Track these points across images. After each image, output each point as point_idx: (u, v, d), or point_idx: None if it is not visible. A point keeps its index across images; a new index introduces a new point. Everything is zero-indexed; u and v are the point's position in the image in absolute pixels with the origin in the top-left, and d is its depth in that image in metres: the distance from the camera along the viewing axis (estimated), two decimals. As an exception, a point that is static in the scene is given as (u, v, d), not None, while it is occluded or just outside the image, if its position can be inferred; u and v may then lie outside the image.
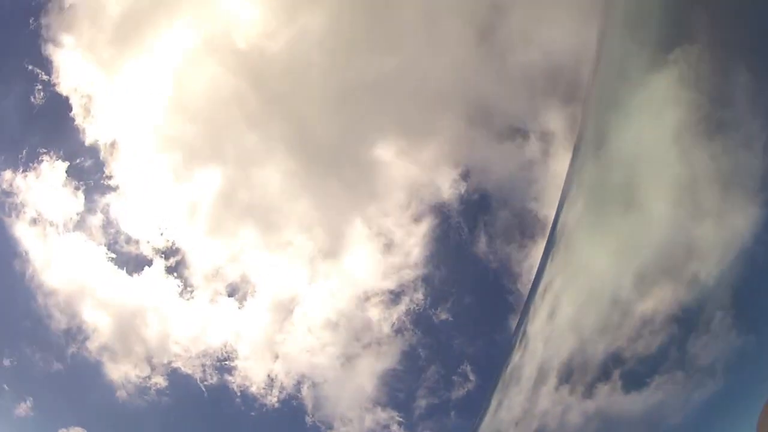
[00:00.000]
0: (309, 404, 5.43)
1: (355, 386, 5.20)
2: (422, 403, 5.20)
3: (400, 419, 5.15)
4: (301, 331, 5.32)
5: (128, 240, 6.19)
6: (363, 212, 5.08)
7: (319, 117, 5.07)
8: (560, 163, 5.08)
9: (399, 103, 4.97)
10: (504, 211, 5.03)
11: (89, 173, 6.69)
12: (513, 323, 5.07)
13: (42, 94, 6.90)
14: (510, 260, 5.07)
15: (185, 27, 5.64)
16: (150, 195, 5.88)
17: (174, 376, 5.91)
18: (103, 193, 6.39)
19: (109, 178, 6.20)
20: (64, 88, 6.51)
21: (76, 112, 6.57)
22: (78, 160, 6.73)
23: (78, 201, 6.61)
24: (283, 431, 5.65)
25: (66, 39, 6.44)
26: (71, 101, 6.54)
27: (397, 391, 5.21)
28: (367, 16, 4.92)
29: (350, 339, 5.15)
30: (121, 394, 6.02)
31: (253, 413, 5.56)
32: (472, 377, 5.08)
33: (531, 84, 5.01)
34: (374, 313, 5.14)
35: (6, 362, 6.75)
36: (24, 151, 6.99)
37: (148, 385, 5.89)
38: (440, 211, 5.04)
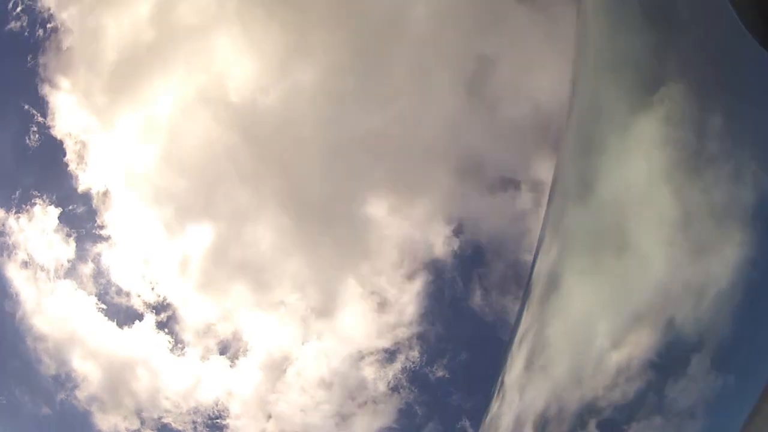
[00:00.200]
0: (303, 464, 5.27)
1: (350, 446, 5.05)
2: (420, 462, 5.05)
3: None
4: (294, 391, 5.20)
5: (119, 292, 6.13)
6: (356, 271, 5.04)
7: (311, 173, 5.09)
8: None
9: (390, 159, 5.00)
10: (498, 264, 5.00)
11: (81, 221, 6.68)
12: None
13: (37, 136, 6.95)
14: (506, 312, 5.02)
15: (179, 78, 5.72)
16: (141, 247, 5.87)
17: (165, 431, 5.78)
18: (94, 242, 6.36)
19: (101, 227, 6.18)
20: (58, 131, 6.55)
21: (70, 157, 6.60)
22: (71, 207, 6.73)
23: (69, 248, 6.57)
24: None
25: (62, 82, 6.52)
26: (65, 146, 6.58)
27: (393, 450, 5.07)
28: (357, 71, 4.98)
29: (345, 398, 5.03)
30: (111, 446, 5.85)
31: (245, 473, 5.41)
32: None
33: (521, 134, 5.07)
34: (369, 371, 5.04)
35: (-6, 398, 6.61)
36: (17, 192, 7.01)
37: (138, 439, 5.73)
38: (434, 267, 5.01)
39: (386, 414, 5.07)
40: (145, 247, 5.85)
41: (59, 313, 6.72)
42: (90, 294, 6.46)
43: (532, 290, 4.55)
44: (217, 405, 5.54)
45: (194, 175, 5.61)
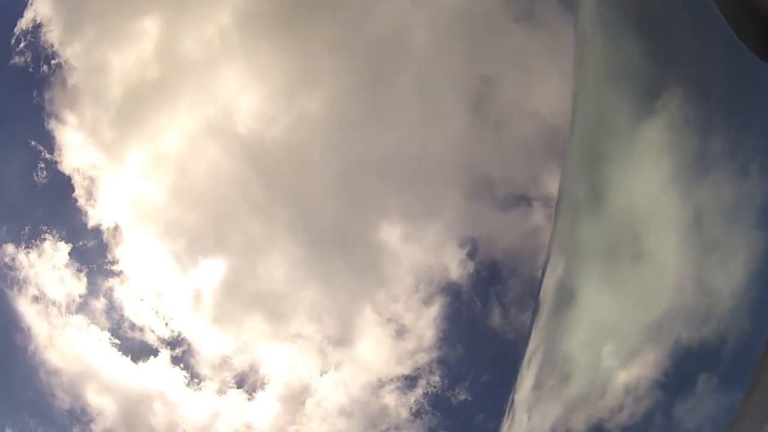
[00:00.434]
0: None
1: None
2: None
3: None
4: (314, 421, 5.14)
5: (132, 326, 6.10)
6: (372, 298, 5.00)
7: (322, 201, 5.09)
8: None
9: (400, 183, 5.00)
10: (515, 281, 4.96)
11: (92, 256, 6.68)
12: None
13: (45, 173, 7.00)
14: (526, 329, 4.96)
15: (186, 112, 5.77)
16: (154, 282, 5.86)
17: (183, 466, 5.69)
18: (106, 278, 6.35)
19: (112, 262, 6.18)
20: (66, 167, 6.58)
21: (79, 193, 6.64)
22: (81, 242, 6.74)
23: (81, 284, 6.56)
24: None
25: (69, 117, 6.59)
26: (74, 181, 6.61)
27: (419, 476, 4.98)
28: (362, 98, 5.02)
29: (367, 426, 4.96)
30: (129, 483, 5.77)
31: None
32: (495, 453, 4.86)
33: (528, 150, 5.08)
34: (390, 399, 4.97)
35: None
36: (27, 228, 7.04)
37: (157, 476, 5.65)
38: (450, 289, 4.97)
39: (409, 441, 5.02)
40: (158, 281, 5.86)
41: (72, 348, 6.70)
42: (103, 329, 6.44)
43: (541, 307, 4.51)
44: (235, 438, 5.48)
45: (205, 208, 5.63)
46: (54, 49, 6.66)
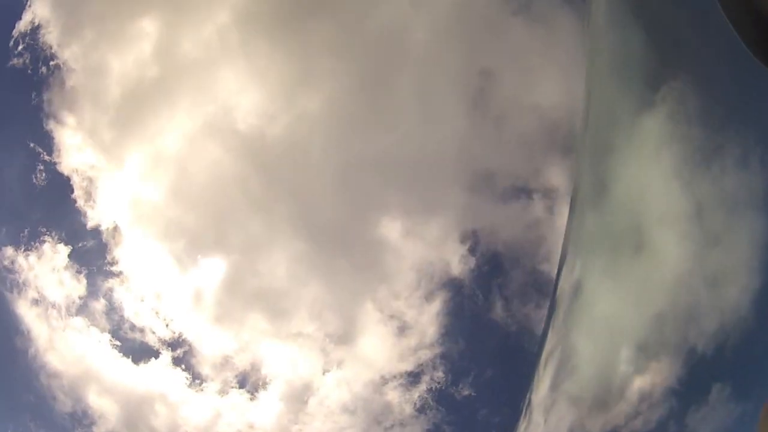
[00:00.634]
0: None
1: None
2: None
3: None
4: (317, 420, 5.10)
5: (133, 328, 6.06)
6: (373, 295, 4.97)
7: (323, 198, 5.07)
8: (565, 218, 5.07)
9: (401, 179, 4.99)
10: (517, 273, 4.94)
11: (91, 257, 6.64)
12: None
13: (44, 175, 6.98)
14: (529, 321, 4.95)
15: (185, 111, 5.75)
16: (154, 282, 5.83)
17: (185, 467, 5.64)
18: (105, 279, 6.32)
19: (112, 263, 6.14)
20: (65, 168, 6.56)
21: (78, 194, 6.61)
22: (80, 244, 6.71)
23: (80, 285, 6.52)
24: None
25: (67, 118, 6.57)
26: (73, 182, 6.59)
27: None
28: (362, 95, 5.01)
29: (371, 423, 4.93)
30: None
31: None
32: (501, 447, 4.82)
33: (527, 143, 5.08)
34: (393, 396, 4.94)
35: (10, 434, 6.50)
36: (26, 230, 7.00)
37: (159, 477, 5.60)
38: (452, 284, 4.95)
39: (414, 437, 4.97)
40: (158, 281, 5.82)
41: (72, 350, 6.65)
42: (103, 331, 6.39)
43: (558, 305, 4.46)
44: (238, 439, 5.44)
45: (204, 207, 5.60)
46: (53, 50, 6.65)
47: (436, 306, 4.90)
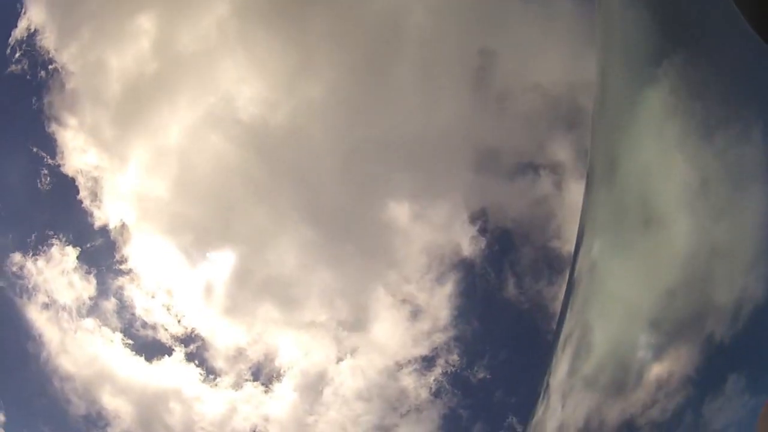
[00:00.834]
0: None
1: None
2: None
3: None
4: (333, 409, 5.06)
5: (145, 325, 6.05)
6: (384, 280, 4.91)
7: (329, 184, 5.00)
8: (573, 192, 5.00)
9: (406, 161, 4.92)
10: (527, 249, 4.87)
11: (100, 257, 6.63)
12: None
13: (48, 179, 6.98)
14: (543, 298, 4.87)
15: (187, 104, 5.71)
16: (164, 278, 5.81)
17: (202, 463, 5.63)
18: (115, 278, 6.30)
19: (121, 262, 6.12)
20: (69, 169, 6.55)
21: (83, 194, 6.60)
22: (88, 244, 6.70)
23: (90, 286, 6.51)
24: None
25: (69, 120, 6.55)
26: (78, 183, 6.58)
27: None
28: (364, 79, 4.94)
29: (387, 410, 4.88)
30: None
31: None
32: (519, 429, 4.78)
33: (530, 120, 5.00)
34: (409, 381, 4.89)
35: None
36: (33, 235, 7.01)
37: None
38: (463, 265, 4.88)
39: (431, 420, 4.91)
40: (168, 277, 5.79)
41: (85, 352, 6.65)
42: (115, 330, 6.38)
43: (575, 286, 4.38)
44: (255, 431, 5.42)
45: (210, 199, 5.55)
46: (50, 55, 6.63)
47: (447, 289, 4.84)
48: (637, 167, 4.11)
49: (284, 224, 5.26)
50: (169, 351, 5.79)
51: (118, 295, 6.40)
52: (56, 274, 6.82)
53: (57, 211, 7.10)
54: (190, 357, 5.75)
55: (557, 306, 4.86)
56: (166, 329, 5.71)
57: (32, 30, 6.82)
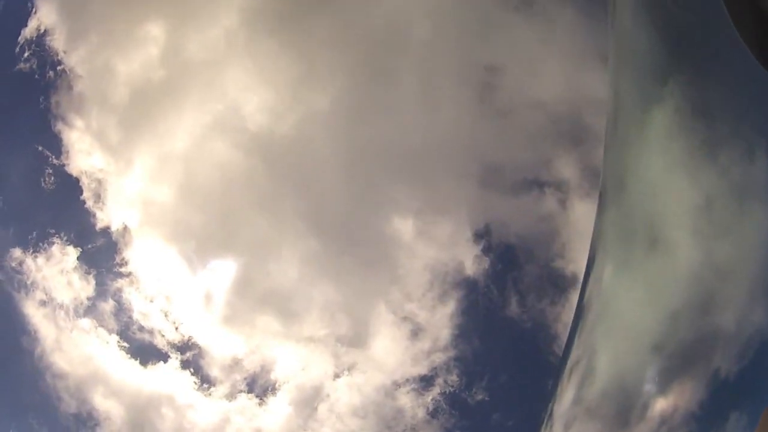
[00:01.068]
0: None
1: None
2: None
3: None
4: (327, 426, 5.00)
5: (141, 329, 6.03)
6: (386, 297, 4.89)
7: (333, 197, 5.01)
8: (578, 210, 5.01)
9: (410, 173, 4.92)
10: (531, 267, 4.85)
11: (100, 259, 6.62)
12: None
13: (52, 178, 7.01)
14: (546, 319, 4.82)
15: (193, 112, 5.74)
16: (163, 283, 5.82)
17: (192, 472, 5.60)
18: (114, 280, 6.27)
19: (121, 265, 6.12)
20: (74, 169, 6.56)
21: (86, 196, 6.62)
22: (89, 246, 6.70)
23: (89, 286, 6.50)
24: None
25: (75, 121, 6.60)
26: (81, 184, 6.60)
27: (436, 479, 4.85)
28: (369, 91, 4.95)
29: (382, 428, 4.80)
30: (137, 489, 5.70)
31: None
32: (515, 452, 4.73)
33: (535, 136, 5.03)
34: (406, 400, 4.82)
35: (13, 432, 6.56)
36: (34, 232, 7.05)
37: (165, 482, 5.57)
38: (465, 283, 4.83)
39: (426, 442, 4.88)
40: (167, 283, 5.80)
41: (79, 351, 6.64)
42: (111, 332, 6.36)
43: (584, 310, 4.35)
44: (247, 444, 5.37)
45: (214, 207, 5.55)
46: (59, 56, 6.71)
47: (449, 308, 4.78)
48: (644, 187, 4.13)
49: (287, 235, 5.25)
50: (164, 357, 5.77)
51: (117, 297, 6.40)
52: (55, 272, 6.83)
53: (59, 210, 7.13)
54: (185, 364, 5.73)
55: (560, 327, 4.84)
56: (162, 335, 5.70)
57: (42, 30, 6.91)
